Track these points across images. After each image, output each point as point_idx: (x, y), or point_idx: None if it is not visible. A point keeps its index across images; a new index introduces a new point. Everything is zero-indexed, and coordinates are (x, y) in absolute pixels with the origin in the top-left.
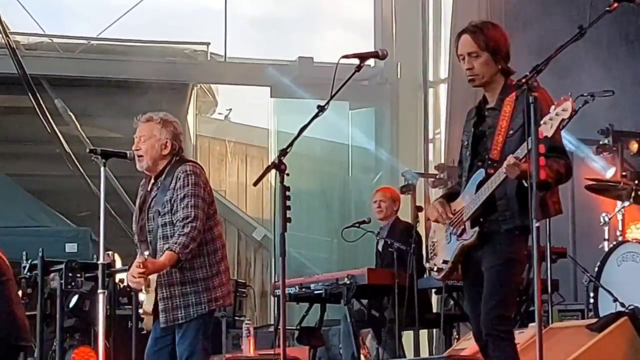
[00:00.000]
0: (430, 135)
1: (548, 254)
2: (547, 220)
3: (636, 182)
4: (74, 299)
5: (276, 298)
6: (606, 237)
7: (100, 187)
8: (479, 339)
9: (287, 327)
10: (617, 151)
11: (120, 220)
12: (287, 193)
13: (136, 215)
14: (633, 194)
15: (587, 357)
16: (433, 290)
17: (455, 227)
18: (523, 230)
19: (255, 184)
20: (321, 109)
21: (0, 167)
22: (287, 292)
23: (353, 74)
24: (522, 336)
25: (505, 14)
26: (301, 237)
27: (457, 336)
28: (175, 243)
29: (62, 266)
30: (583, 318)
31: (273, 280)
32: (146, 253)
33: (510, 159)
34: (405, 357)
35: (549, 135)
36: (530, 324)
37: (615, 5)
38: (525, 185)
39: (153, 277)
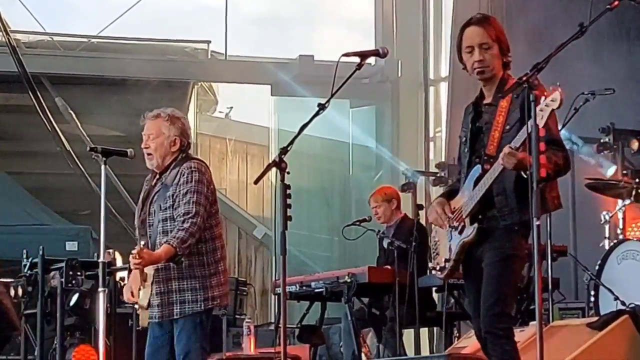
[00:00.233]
0: (431, 134)
1: (549, 252)
2: (548, 218)
3: (637, 180)
4: (75, 297)
5: (277, 296)
6: (607, 235)
7: (101, 186)
8: (479, 336)
9: (287, 326)
10: (618, 149)
11: (121, 218)
12: (288, 191)
13: (139, 209)
14: (634, 192)
15: (588, 355)
16: (434, 289)
17: (455, 225)
18: (522, 226)
19: (256, 182)
20: (322, 107)
21: (1, 166)
22: (287, 290)
23: (354, 72)
24: (523, 334)
25: (507, 12)
26: (302, 235)
27: (457, 334)
28: (174, 237)
29: (63, 264)
30: (584, 316)
31: (274, 279)
32: (142, 243)
33: (506, 149)
34: (406, 355)
35: (540, 126)
36: (531, 322)
37: (616, 3)
38: (524, 176)
39: (150, 272)
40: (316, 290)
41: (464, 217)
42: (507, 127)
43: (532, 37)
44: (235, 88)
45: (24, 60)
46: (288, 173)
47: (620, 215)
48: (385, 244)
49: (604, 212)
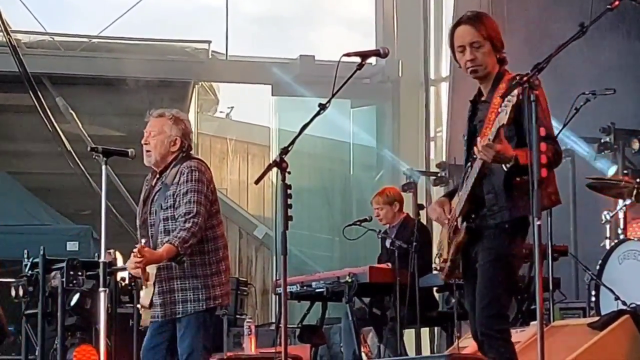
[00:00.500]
0: (432, 133)
1: (549, 252)
2: (549, 218)
3: (638, 180)
4: (75, 297)
5: (277, 296)
6: (608, 235)
7: (102, 185)
8: (475, 336)
9: (288, 326)
10: (619, 149)
11: (122, 218)
12: (289, 191)
13: (140, 209)
14: (635, 192)
15: (589, 355)
16: (435, 289)
17: (452, 225)
18: (513, 224)
19: (256, 182)
20: (322, 107)
21: (2, 165)
22: (288, 290)
23: (354, 72)
24: (524, 334)
25: (507, 10)
26: (302, 235)
27: (458, 334)
28: (176, 237)
29: (64, 264)
30: (584, 316)
31: (274, 279)
32: (143, 241)
33: (483, 140)
34: (407, 355)
35: (504, 122)
36: (532, 322)
37: (617, 3)
38: (505, 169)
39: (152, 272)
40: (317, 290)
41: (456, 216)
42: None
43: (532, 35)
44: (236, 88)
45: (25, 60)
46: (289, 173)
47: (621, 215)
48: (387, 244)
49: (605, 212)
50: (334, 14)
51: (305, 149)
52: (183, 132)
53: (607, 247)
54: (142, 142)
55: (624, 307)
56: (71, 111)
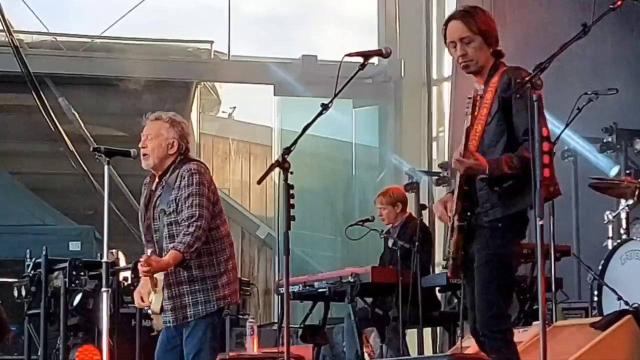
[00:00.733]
0: (434, 133)
1: (552, 252)
2: (551, 217)
3: None
4: (78, 297)
5: (280, 296)
6: (610, 235)
7: (104, 186)
8: (474, 333)
9: (290, 326)
10: (621, 149)
11: (124, 218)
12: (291, 191)
13: (142, 214)
14: (637, 192)
15: (591, 355)
16: (437, 289)
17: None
18: (507, 221)
19: (259, 182)
20: (325, 107)
21: (4, 165)
22: (290, 290)
23: (357, 72)
24: (526, 334)
25: (509, 9)
26: (305, 235)
27: (461, 334)
28: (180, 242)
29: (66, 264)
30: (587, 316)
31: (277, 279)
32: (149, 251)
33: (455, 154)
34: (409, 355)
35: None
36: (534, 322)
37: (620, 2)
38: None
39: (160, 277)
40: (319, 290)
41: (453, 214)
42: (489, 119)
43: (534, 34)
44: (238, 88)
45: (27, 60)
46: (291, 173)
47: (623, 215)
48: (389, 244)
49: (608, 212)
50: (336, 14)
51: (308, 149)
52: (180, 135)
53: (610, 247)
54: (140, 145)
55: (627, 307)
56: (73, 111)
